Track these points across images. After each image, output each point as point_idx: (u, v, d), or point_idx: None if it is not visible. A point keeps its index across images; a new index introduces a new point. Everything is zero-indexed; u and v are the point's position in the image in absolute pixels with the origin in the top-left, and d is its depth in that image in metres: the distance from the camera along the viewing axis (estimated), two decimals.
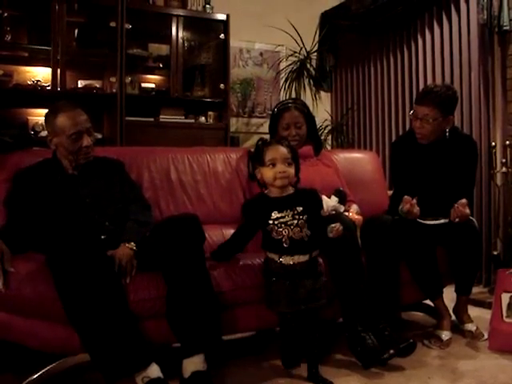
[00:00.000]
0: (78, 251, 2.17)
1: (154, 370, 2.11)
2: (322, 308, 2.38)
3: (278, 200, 2.35)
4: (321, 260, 2.44)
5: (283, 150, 2.37)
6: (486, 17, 3.90)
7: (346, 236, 2.53)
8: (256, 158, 2.43)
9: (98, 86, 4.64)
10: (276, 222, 2.29)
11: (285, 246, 2.27)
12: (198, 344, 2.18)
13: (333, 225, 2.29)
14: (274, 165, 2.34)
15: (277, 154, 2.35)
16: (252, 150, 2.51)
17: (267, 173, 2.36)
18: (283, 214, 2.30)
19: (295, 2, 5.43)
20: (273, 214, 2.30)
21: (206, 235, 2.46)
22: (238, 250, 2.52)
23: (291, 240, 2.28)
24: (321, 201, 2.48)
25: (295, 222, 2.29)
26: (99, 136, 4.44)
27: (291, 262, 2.29)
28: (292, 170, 2.37)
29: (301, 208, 2.32)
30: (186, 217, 2.43)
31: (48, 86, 4.32)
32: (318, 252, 2.38)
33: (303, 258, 2.30)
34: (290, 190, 2.39)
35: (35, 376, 2.26)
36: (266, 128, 3.49)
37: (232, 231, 3.03)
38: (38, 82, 4.37)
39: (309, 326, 2.37)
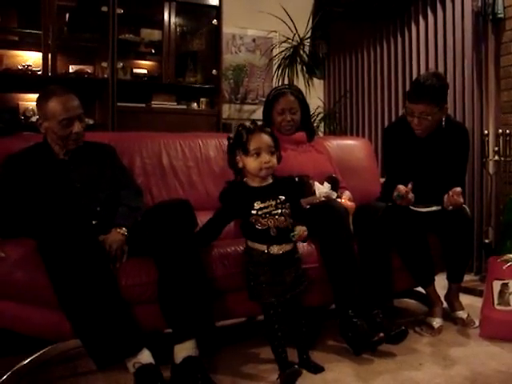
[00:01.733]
0: (69, 236, 2.15)
1: (146, 356, 2.10)
2: (305, 293, 2.37)
3: (259, 190, 2.30)
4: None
5: (267, 138, 2.30)
6: (480, 4, 3.89)
7: (338, 222, 2.53)
8: (238, 145, 2.31)
9: (89, 71, 4.60)
10: (260, 213, 2.23)
11: (272, 235, 2.23)
12: (189, 330, 2.17)
13: (296, 231, 2.26)
14: (258, 154, 2.26)
15: (262, 143, 2.27)
16: (231, 135, 2.38)
17: (251, 163, 2.27)
18: (266, 204, 2.25)
19: None
20: (255, 205, 2.24)
21: (198, 221, 2.44)
22: (213, 238, 2.45)
23: (278, 229, 2.23)
24: (300, 188, 2.50)
25: (279, 211, 2.25)
26: (91, 122, 4.42)
27: (280, 252, 2.24)
28: (275, 160, 2.31)
29: (283, 197, 2.28)
30: (178, 202, 2.41)
31: (39, 70, 4.28)
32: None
33: (289, 247, 2.28)
34: (270, 179, 2.35)
35: (26, 361, 2.25)
36: (258, 115, 3.48)
37: None
38: (29, 67, 4.32)
39: (295, 313, 2.35)
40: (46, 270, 2.11)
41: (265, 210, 2.23)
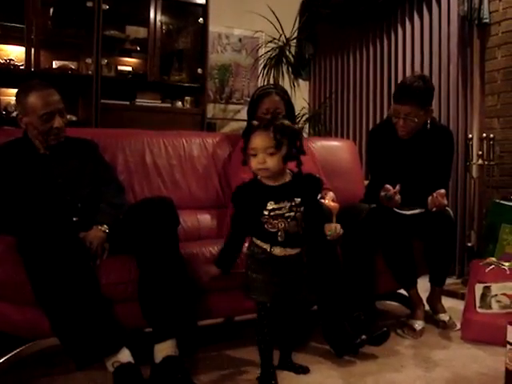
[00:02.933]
0: (49, 233, 2.11)
1: (125, 355, 2.07)
2: (302, 299, 2.31)
3: (274, 189, 2.15)
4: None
5: (265, 138, 2.10)
6: (466, 9, 3.92)
7: (321, 224, 2.52)
8: (245, 142, 2.17)
9: (73, 67, 4.56)
10: (272, 214, 2.11)
11: (279, 239, 2.12)
12: (169, 329, 2.15)
13: (332, 225, 2.21)
14: (255, 154, 2.11)
15: (257, 144, 2.11)
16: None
17: (251, 161, 2.14)
18: (280, 206, 2.11)
19: None
20: (269, 205, 2.11)
21: (181, 220, 2.42)
22: (238, 250, 2.25)
23: (286, 233, 2.12)
24: (320, 186, 2.26)
25: (292, 214, 2.12)
26: (74, 118, 4.38)
27: (282, 254, 2.14)
28: (273, 162, 2.10)
29: (299, 199, 2.14)
30: (161, 200, 2.39)
31: (21, 65, 4.23)
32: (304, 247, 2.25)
33: (293, 251, 2.17)
34: (287, 178, 2.19)
35: (3, 359, 2.21)
36: (243, 115, 3.46)
37: (207, 216, 3.03)
38: (11, 61, 4.27)
39: (286, 316, 2.30)
40: (24, 267, 2.07)
41: (277, 212, 2.11)
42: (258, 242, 2.17)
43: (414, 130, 2.94)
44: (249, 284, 2.20)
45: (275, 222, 2.11)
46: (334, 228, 2.20)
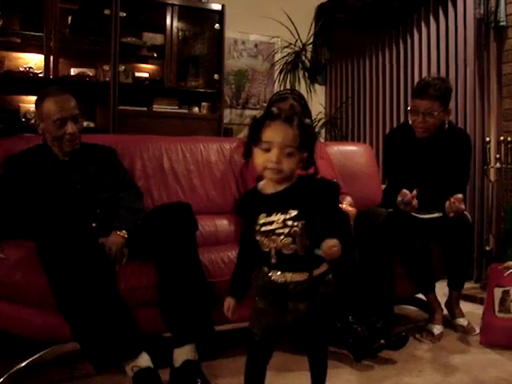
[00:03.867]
0: (69, 238, 2.14)
1: (144, 360, 2.09)
2: (325, 341, 1.86)
3: (269, 198, 1.72)
4: (330, 276, 1.77)
5: (288, 132, 1.66)
6: (482, 12, 3.89)
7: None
8: (253, 131, 1.71)
9: (90, 74, 4.59)
10: (262, 230, 1.68)
11: (273, 261, 1.69)
12: (189, 333, 2.16)
13: (322, 246, 1.59)
14: (268, 150, 1.66)
15: (276, 136, 1.66)
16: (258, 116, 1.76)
17: (258, 157, 1.69)
18: (271, 219, 1.67)
19: None
20: (260, 218, 1.69)
21: (199, 226, 2.43)
22: (250, 272, 1.82)
23: (279, 254, 1.68)
24: (335, 195, 1.82)
25: (285, 230, 1.65)
26: (92, 125, 4.42)
27: (282, 280, 1.71)
28: (290, 165, 1.66)
29: (295, 212, 1.65)
30: (179, 205, 2.41)
31: (40, 73, 4.27)
32: (324, 269, 1.73)
33: (299, 277, 1.69)
34: (289, 183, 1.72)
35: (23, 364, 2.23)
36: None
37: (224, 221, 3.04)
38: (30, 69, 4.32)
39: (315, 359, 1.89)
40: (44, 272, 2.09)
41: (268, 227, 1.67)
42: (261, 265, 1.78)
43: (433, 128, 2.93)
44: (252, 309, 1.82)
45: (266, 239, 1.69)
46: (325, 245, 1.58)
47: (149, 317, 2.24)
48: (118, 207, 2.50)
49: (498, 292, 2.73)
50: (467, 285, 3.30)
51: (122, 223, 2.41)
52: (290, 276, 1.70)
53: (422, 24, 4.60)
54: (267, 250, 1.70)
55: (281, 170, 1.66)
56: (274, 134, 1.67)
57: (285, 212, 1.66)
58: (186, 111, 4.90)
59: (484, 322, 2.78)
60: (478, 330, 2.86)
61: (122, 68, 4.58)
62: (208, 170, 3.16)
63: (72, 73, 4.55)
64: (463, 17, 4.16)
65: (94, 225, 2.44)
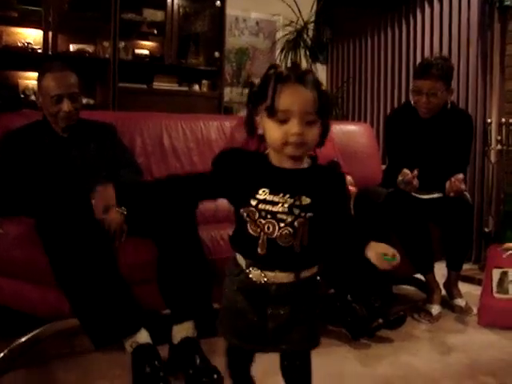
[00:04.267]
0: (68, 215, 2.14)
1: (143, 336, 2.09)
2: (307, 352, 1.53)
3: (277, 172, 1.42)
4: (318, 278, 1.52)
5: (306, 95, 1.36)
6: None
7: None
8: (260, 96, 1.40)
9: (90, 50, 4.57)
10: (260, 207, 1.38)
11: (259, 251, 1.40)
12: (188, 310, 2.17)
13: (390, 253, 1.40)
14: (285, 120, 1.35)
15: (294, 102, 1.35)
16: (256, 81, 1.47)
17: (273, 131, 1.37)
18: (276, 199, 1.38)
19: None
20: (260, 192, 1.38)
21: (199, 203, 2.42)
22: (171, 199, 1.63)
23: (271, 244, 1.39)
24: (345, 193, 1.59)
25: (289, 218, 1.37)
26: (91, 102, 4.40)
27: (263, 280, 1.42)
28: (313, 135, 1.38)
29: (308, 200, 1.38)
30: None
31: (39, 48, 4.25)
32: (314, 272, 1.48)
33: (284, 278, 1.42)
34: (305, 163, 1.45)
35: (23, 339, 2.23)
36: None
37: (224, 200, 3.02)
38: (29, 45, 4.29)
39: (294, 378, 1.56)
40: (44, 249, 2.09)
41: (268, 207, 1.38)
42: (238, 256, 1.48)
43: (436, 108, 2.93)
44: (220, 316, 1.56)
45: (261, 221, 1.38)
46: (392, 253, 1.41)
47: (148, 293, 2.24)
48: (118, 184, 2.49)
49: (496, 273, 2.74)
50: (466, 266, 3.31)
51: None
52: (272, 276, 1.41)
53: (425, 4, 4.55)
54: (256, 234, 1.39)
55: (305, 143, 1.36)
56: (290, 99, 1.35)
57: (295, 197, 1.38)
58: (186, 89, 4.88)
59: (482, 302, 2.79)
60: (475, 311, 2.87)
61: (122, 44, 4.56)
62: (208, 147, 3.14)
63: (71, 49, 4.52)
64: None
65: (93, 201, 2.42)
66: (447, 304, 2.97)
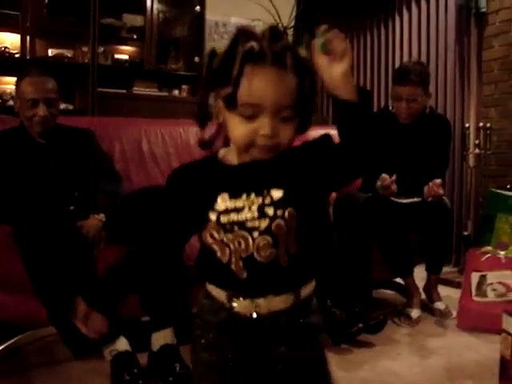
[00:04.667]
0: (46, 222, 2.12)
1: (122, 344, 2.08)
2: None
3: (235, 170, 1.07)
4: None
5: (285, 82, 1.01)
6: None
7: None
8: (221, 76, 1.04)
9: (69, 55, 4.54)
10: (223, 220, 1.04)
11: (242, 276, 1.05)
12: (167, 317, 2.16)
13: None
14: (253, 116, 1.00)
15: (268, 95, 0.99)
16: (216, 49, 1.09)
17: (235, 126, 1.03)
18: (239, 203, 1.04)
19: None
20: (219, 201, 1.05)
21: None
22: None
23: (250, 264, 1.04)
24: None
25: (263, 223, 1.03)
26: (70, 107, 4.36)
27: (254, 312, 1.06)
28: (289, 132, 1.04)
29: (279, 192, 1.03)
30: (157, 189, 2.38)
31: (17, 53, 4.21)
32: (312, 287, 1.14)
33: (281, 303, 1.06)
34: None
35: (1, 348, 2.21)
36: None
37: None
38: (6, 49, 4.24)
39: None
40: (21, 256, 2.07)
41: (233, 217, 1.04)
42: (211, 288, 1.12)
43: (416, 113, 2.96)
44: (192, 366, 1.21)
45: (228, 238, 1.04)
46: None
47: (127, 301, 2.22)
48: (97, 190, 2.47)
49: (475, 276, 2.76)
50: (445, 269, 3.34)
51: (100, 207, 2.38)
52: (265, 304, 1.06)
53: (404, 9, 4.59)
54: (227, 258, 1.05)
55: (277, 146, 1.03)
56: (261, 89, 0.99)
57: (262, 193, 1.04)
58: (166, 94, 4.87)
59: (461, 306, 2.81)
60: (455, 314, 2.89)
61: (101, 49, 4.53)
62: (187, 153, 3.13)
63: (50, 53, 4.49)
64: (444, 3, 4.16)
65: (71, 208, 2.40)
66: (427, 307, 2.99)
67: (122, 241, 2.27)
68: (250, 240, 1.03)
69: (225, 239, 1.04)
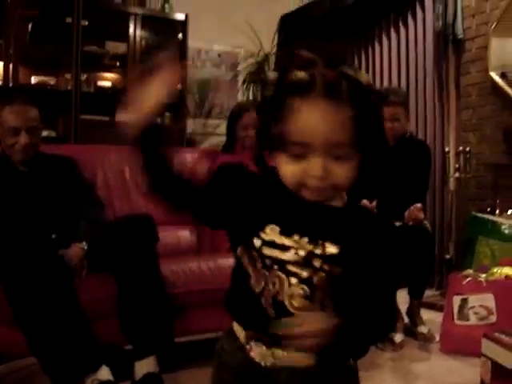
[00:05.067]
0: (27, 250, 2.11)
1: (105, 373, 2.06)
2: None
3: (294, 203, 0.96)
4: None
5: (338, 116, 0.89)
6: (441, 25, 3.98)
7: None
8: (272, 110, 0.94)
9: (52, 82, 4.53)
10: (265, 252, 0.95)
11: (270, 312, 0.96)
12: (149, 346, 2.15)
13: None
14: (302, 155, 0.91)
15: (318, 132, 0.89)
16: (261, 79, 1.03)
17: (285, 166, 0.94)
18: (288, 242, 0.95)
19: (255, 4, 5.41)
20: (267, 230, 0.96)
21: (160, 236, 2.42)
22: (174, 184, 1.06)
23: (278, 309, 0.95)
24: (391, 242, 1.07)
25: (305, 272, 0.94)
26: (53, 134, 4.36)
27: (269, 362, 0.98)
28: (346, 172, 0.92)
29: (335, 249, 0.95)
30: (139, 216, 2.39)
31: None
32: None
33: (301, 360, 0.97)
34: (337, 199, 1.00)
35: None
36: (223, 129, 3.46)
37: (186, 232, 3.03)
38: None
39: None
40: (1, 285, 2.05)
41: (275, 253, 0.95)
42: (235, 327, 1.04)
43: (399, 134, 3.04)
44: None
45: (264, 272, 0.96)
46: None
47: (109, 329, 2.22)
48: (79, 218, 2.47)
49: (456, 300, 2.78)
50: (429, 292, 3.35)
51: (82, 235, 2.38)
52: (283, 356, 0.96)
53: (383, 35, 4.67)
54: (260, 289, 0.96)
55: (331, 187, 0.93)
56: (310, 126, 0.89)
57: (316, 242, 0.95)
58: None
59: (443, 329, 2.83)
60: (438, 338, 2.90)
61: (84, 77, 4.54)
62: None
63: (33, 81, 4.48)
64: (423, 29, 4.24)
65: (53, 236, 2.40)
66: (410, 331, 3.00)
67: (104, 269, 2.27)
68: (286, 284, 0.94)
69: (261, 270, 0.96)
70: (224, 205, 1.01)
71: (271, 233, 0.95)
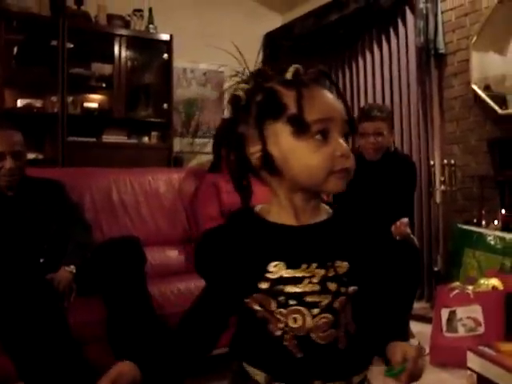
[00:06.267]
0: (15, 276, 2.11)
1: None
2: None
3: (289, 233, 0.97)
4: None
5: (333, 96, 1.01)
6: (422, 40, 4.02)
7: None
8: (269, 110, 0.98)
9: (38, 105, 4.54)
10: (277, 289, 0.93)
11: (298, 355, 0.93)
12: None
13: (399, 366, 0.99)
14: (325, 135, 0.94)
15: (335, 107, 0.99)
16: (239, 89, 1.04)
17: (310, 156, 0.93)
18: (298, 273, 0.93)
19: (239, 23, 5.47)
20: (272, 268, 0.94)
21: (149, 256, 2.43)
22: (208, 345, 1.09)
23: (303, 345, 0.93)
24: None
25: (325, 299, 0.93)
26: (40, 157, 4.36)
27: None
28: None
29: (345, 265, 0.96)
30: (127, 239, 2.40)
31: None
32: (364, 376, 1.04)
33: None
34: (323, 213, 1.02)
35: None
36: (210, 148, 3.48)
37: (175, 251, 3.04)
38: None
39: None
40: None
41: (289, 288, 0.93)
42: (251, 370, 0.98)
43: (382, 148, 3.06)
44: None
45: (281, 312, 0.93)
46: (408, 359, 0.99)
47: (99, 352, 2.21)
48: (67, 242, 2.48)
49: (445, 313, 2.79)
50: (418, 305, 3.36)
51: (70, 258, 2.38)
52: None
53: (366, 51, 4.73)
54: (279, 333, 0.92)
55: (352, 166, 0.98)
56: (327, 103, 0.97)
57: (326, 265, 0.93)
58: (135, 141, 4.89)
59: (432, 342, 2.83)
60: (428, 350, 2.91)
61: (71, 99, 4.56)
62: (157, 200, 3.16)
63: (19, 104, 4.49)
64: (405, 44, 4.30)
65: (41, 260, 2.40)
66: None
67: (93, 292, 2.28)
68: (309, 317, 0.91)
69: (276, 313, 0.92)
70: (221, 273, 1.00)
71: (277, 270, 0.92)
